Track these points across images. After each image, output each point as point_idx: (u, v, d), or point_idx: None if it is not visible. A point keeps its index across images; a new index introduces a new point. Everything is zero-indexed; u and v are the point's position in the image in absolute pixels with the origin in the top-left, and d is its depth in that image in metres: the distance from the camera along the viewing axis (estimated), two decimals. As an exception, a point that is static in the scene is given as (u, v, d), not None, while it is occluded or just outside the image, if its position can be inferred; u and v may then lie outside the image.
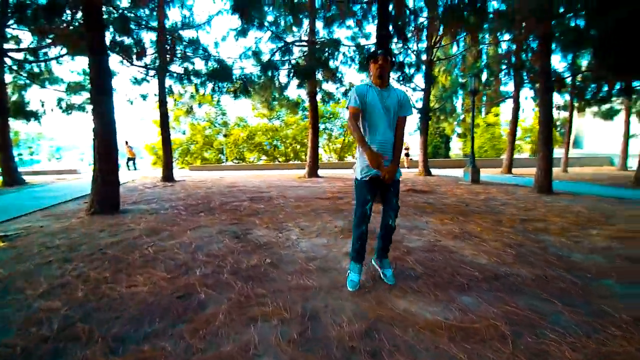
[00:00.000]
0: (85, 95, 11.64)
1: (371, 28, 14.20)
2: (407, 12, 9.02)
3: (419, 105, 13.43)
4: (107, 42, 6.08)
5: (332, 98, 13.37)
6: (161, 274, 2.77)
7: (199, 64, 11.58)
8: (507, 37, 11.99)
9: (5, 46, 9.32)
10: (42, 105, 10.76)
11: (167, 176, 11.71)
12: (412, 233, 4.14)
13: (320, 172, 13.65)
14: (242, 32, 9.84)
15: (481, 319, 2.04)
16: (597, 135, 22.90)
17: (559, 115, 16.91)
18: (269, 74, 10.73)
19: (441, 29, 10.83)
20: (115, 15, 7.81)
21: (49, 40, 7.87)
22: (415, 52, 12.28)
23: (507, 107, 32.12)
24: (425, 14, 10.62)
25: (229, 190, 8.79)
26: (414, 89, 13.39)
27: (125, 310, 2.16)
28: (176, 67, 10.97)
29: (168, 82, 11.33)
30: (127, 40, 8.27)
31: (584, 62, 12.81)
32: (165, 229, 4.42)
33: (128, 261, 3.12)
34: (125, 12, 8.43)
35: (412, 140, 22.58)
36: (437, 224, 4.66)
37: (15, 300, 2.35)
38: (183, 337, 1.85)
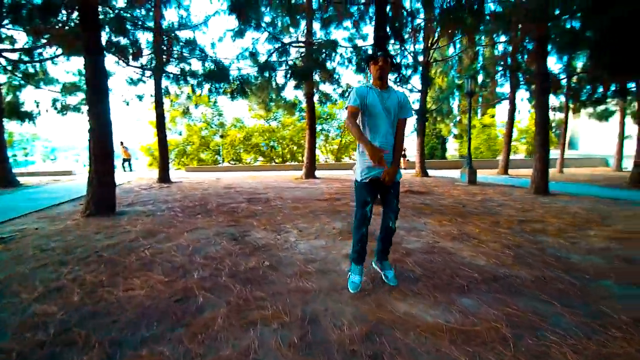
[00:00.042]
0: (81, 95, 11.55)
1: (368, 29, 14.31)
2: (404, 13, 9.04)
3: (416, 106, 13.47)
4: (103, 42, 6.02)
5: (329, 99, 13.38)
6: (158, 277, 2.73)
7: (196, 65, 11.55)
8: (503, 38, 12.08)
9: (0, 46, 9.25)
10: (37, 106, 10.67)
11: (163, 177, 11.64)
12: (410, 234, 4.13)
13: (317, 173, 13.64)
14: (239, 33, 9.82)
15: (482, 321, 2.04)
16: (591, 136, 23.09)
17: (554, 116, 17.05)
18: (266, 75, 10.71)
19: (438, 30, 10.85)
20: (111, 15, 7.75)
21: (44, 41, 7.79)
22: (412, 54, 12.32)
23: (502, 109, 32.35)
24: (422, 15, 10.67)
25: (225, 192, 8.75)
26: (411, 90, 13.43)
27: (122, 314, 2.13)
28: (172, 68, 10.94)
29: (164, 82, 11.28)
30: (123, 41, 8.21)
31: (579, 64, 12.93)
32: (162, 231, 4.38)
33: (124, 264, 3.08)
34: (122, 12, 8.37)
35: (409, 141, 22.66)
36: (435, 225, 4.66)
37: (10, 304, 2.31)
38: (181, 342, 1.83)
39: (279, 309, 2.18)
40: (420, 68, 12.11)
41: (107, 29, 7.61)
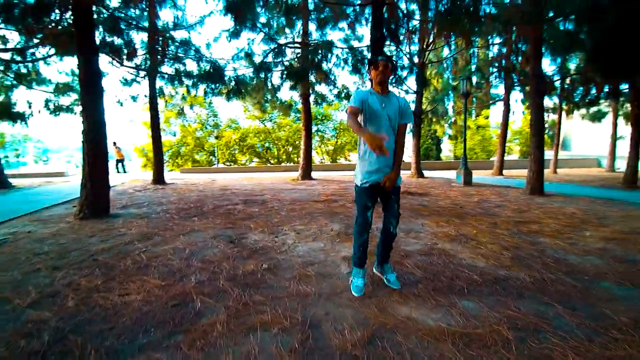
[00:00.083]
0: (74, 96, 11.41)
1: (363, 30, 14.33)
2: (400, 15, 9.05)
3: (412, 107, 13.50)
4: (97, 42, 5.94)
5: (325, 100, 13.35)
6: (155, 282, 2.69)
7: (191, 65, 11.46)
8: (497, 40, 12.16)
9: (-8, 46, 9.09)
10: (29, 107, 10.51)
11: (158, 179, 11.54)
12: (409, 236, 4.12)
13: (313, 174, 13.61)
14: (235, 34, 9.76)
15: (484, 324, 2.02)
16: (584, 137, 23.36)
17: (548, 117, 17.21)
18: (262, 75, 10.66)
19: (434, 32, 10.89)
20: (105, 15, 7.66)
21: (36, 40, 7.67)
22: (407, 55, 12.36)
23: (496, 110, 32.67)
24: (417, 16, 10.70)
25: (221, 194, 8.69)
26: (407, 92, 13.48)
27: (118, 320, 2.08)
28: (167, 68, 10.85)
29: (159, 83, 11.20)
30: (118, 41, 8.12)
31: (572, 66, 13.07)
32: (157, 234, 4.32)
33: (120, 268, 3.02)
34: (116, 12, 8.28)
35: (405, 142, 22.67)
36: (433, 226, 4.65)
37: (3, 310, 2.25)
38: (180, 349, 1.79)
39: (278, 313, 2.15)
40: (416, 69, 12.15)
41: (101, 29, 7.52)
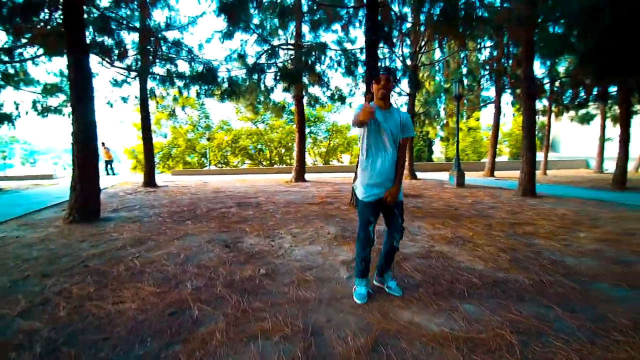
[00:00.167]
0: (62, 97, 11.15)
1: (357, 33, 14.33)
2: (394, 17, 9.09)
3: (404, 109, 13.59)
4: (87, 42, 5.81)
5: (318, 102, 13.33)
6: (150, 289, 2.61)
7: (183, 66, 11.33)
8: (489, 43, 12.30)
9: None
10: (17, 108, 10.23)
11: (149, 181, 11.35)
12: (406, 239, 4.10)
13: (306, 176, 13.57)
14: (228, 35, 9.67)
15: (486, 328, 2.01)
16: (572, 139, 23.79)
17: (537, 119, 17.48)
18: (255, 77, 10.58)
19: (426, 34, 10.97)
20: (96, 14, 7.51)
21: (24, 40, 7.48)
22: (400, 58, 12.42)
23: (486, 112, 33.11)
24: (410, 19, 10.76)
25: (214, 196, 8.59)
26: (399, 94, 13.53)
27: (113, 330, 2.01)
28: (159, 69, 10.70)
29: (150, 84, 11.03)
30: (108, 41, 7.97)
31: (561, 68, 13.30)
32: (150, 239, 4.23)
33: (113, 275, 2.94)
34: (106, 11, 8.13)
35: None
36: (429, 228, 4.66)
37: (-10, 321, 2.15)
38: (179, 359, 1.73)
39: (279, 320, 2.10)
40: (409, 72, 12.21)
41: (91, 29, 7.37)
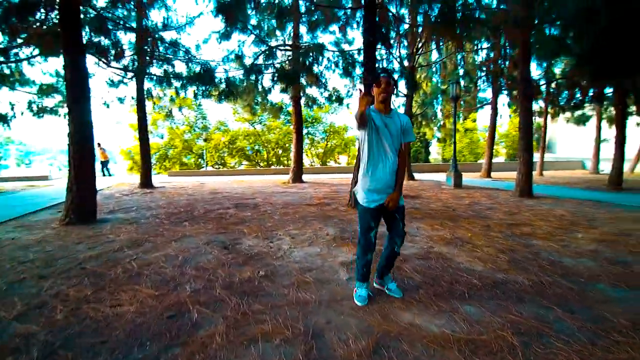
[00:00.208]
0: (58, 97, 11.07)
1: (354, 34, 14.38)
2: (391, 18, 9.10)
3: (401, 111, 13.61)
4: (83, 42, 5.76)
5: (315, 103, 13.32)
6: (148, 291, 2.59)
7: (180, 67, 11.27)
8: (485, 45, 12.36)
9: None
10: (12, 108, 10.13)
11: (146, 182, 11.29)
12: (405, 240, 4.10)
13: (303, 177, 13.55)
14: (226, 35, 9.64)
15: (487, 329, 2.01)
16: (568, 140, 23.95)
17: (534, 120, 17.58)
18: (253, 77, 10.56)
19: (424, 36, 11.00)
20: (92, 14, 7.46)
21: (20, 40, 7.41)
22: (398, 59, 12.44)
23: (483, 114, 33.25)
24: (407, 20, 10.79)
25: (212, 197, 8.55)
26: (397, 95, 13.55)
27: (111, 333, 1.98)
28: (156, 70, 10.65)
29: (147, 84, 10.97)
30: (105, 41, 7.91)
31: (557, 70, 13.39)
32: (148, 240, 4.20)
33: (110, 277, 2.91)
34: (103, 11, 8.08)
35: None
36: (428, 229, 4.66)
37: (-15, 324, 2.12)
38: (178, 363, 1.71)
39: (279, 323, 2.09)
40: (406, 73, 12.23)
41: (87, 29, 7.32)
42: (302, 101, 13.19)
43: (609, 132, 13.87)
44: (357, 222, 2.45)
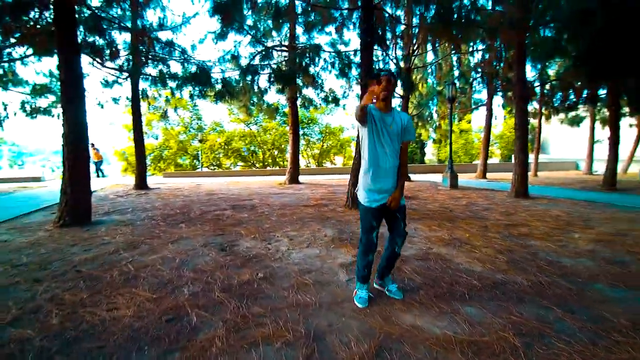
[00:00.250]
0: (52, 98, 10.93)
1: (351, 35, 14.41)
2: (388, 19, 9.12)
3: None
4: (78, 42, 5.69)
5: (312, 103, 13.31)
6: (145, 294, 2.55)
7: (175, 67, 11.21)
8: (480, 46, 12.43)
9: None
10: (5, 109, 9.98)
11: (141, 184, 11.17)
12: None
13: (300, 178, 13.51)
14: (222, 35, 9.60)
15: (489, 331, 2.00)
16: (562, 141, 24.17)
17: (528, 122, 17.73)
18: (249, 78, 10.52)
19: (420, 37, 11.03)
20: (87, 14, 7.37)
21: (13, 40, 7.30)
22: (394, 60, 12.47)
23: (478, 115, 33.48)
24: (404, 21, 10.82)
25: (208, 199, 8.49)
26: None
27: (109, 338, 1.94)
28: (151, 70, 10.56)
29: (142, 85, 10.89)
30: (99, 41, 7.83)
31: (551, 72, 13.52)
32: (144, 242, 4.14)
33: (106, 280, 2.86)
34: (98, 11, 7.99)
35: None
36: (426, 230, 4.66)
37: (-22, 330, 2.07)
38: (178, 367, 1.68)
39: (280, 325, 2.06)
40: (403, 74, 12.27)
41: (82, 28, 7.23)
42: (299, 102, 13.17)
43: (603, 133, 14.04)
44: (356, 223, 2.44)
